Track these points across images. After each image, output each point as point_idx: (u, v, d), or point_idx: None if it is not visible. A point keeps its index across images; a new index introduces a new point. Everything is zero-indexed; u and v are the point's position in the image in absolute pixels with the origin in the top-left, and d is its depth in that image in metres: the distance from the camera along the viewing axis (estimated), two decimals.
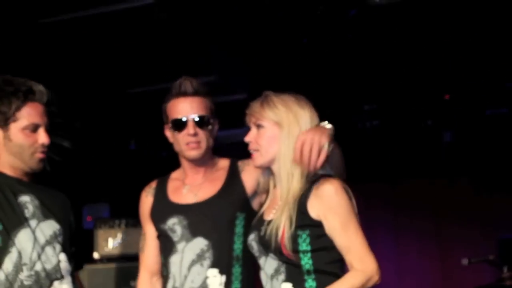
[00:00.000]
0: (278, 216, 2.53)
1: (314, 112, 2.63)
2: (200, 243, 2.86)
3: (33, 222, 2.77)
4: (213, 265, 2.83)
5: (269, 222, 2.55)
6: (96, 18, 4.46)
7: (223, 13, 4.52)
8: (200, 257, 2.87)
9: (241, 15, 4.52)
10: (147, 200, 3.08)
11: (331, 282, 2.47)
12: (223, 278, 2.82)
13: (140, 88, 5.78)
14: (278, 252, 2.50)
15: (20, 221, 2.75)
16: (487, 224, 6.09)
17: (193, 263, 2.85)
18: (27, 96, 2.76)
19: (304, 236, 2.45)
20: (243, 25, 4.71)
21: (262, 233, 2.56)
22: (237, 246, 2.86)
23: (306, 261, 2.47)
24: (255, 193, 2.89)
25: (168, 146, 6.72)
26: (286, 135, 2.57)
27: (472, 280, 5.10)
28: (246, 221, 2.85)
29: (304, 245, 2.45)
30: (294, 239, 2.45)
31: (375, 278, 2.41)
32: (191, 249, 2.86)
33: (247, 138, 2.65)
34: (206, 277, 2.82)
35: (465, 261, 4.60)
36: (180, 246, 2.88)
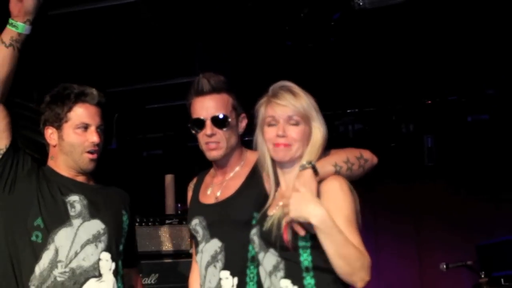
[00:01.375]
0: (280, 209, 2.51)
1: None
2: (214, 245, 2.86)
3: (77, 221, 2.82)
4: (225, 267, 2.82)
5: (271, 217, 2.56)
6: (77, 16, 4.39)
7: (208, 14, 4.47)
8: (214, 259, 2.86)
9: (225, 17, 4.47)
10: (189, 196, 3.13)
11: (329, 279, 2.47)
12: (235, 280, 2.80)
13: (122, 87, 5.66)
14: (279, 245, 2.49)
15: (63, 219, 2.81)
16: (466, 228, 6.13)
17: (208, 264, 2.87)
18: (78, 98, 2.86)
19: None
20: (227, 26, 4.66)
21: (263, 228, 2.58)
22: (253, 247, 2.83)
23: (305, 258, 2.47)
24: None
25: (149, 146, 6.64)
26: (316, 131, 2.58)
27: (451, 284, 5.16)
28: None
29: (304, 241, 2.44)
30: (295, 234, 2.44)
31: (369, 270, 2.40)
32: (207, 250, 2.87)
33: (281, 132, 2.58)
34: (220, 279, 2.82)
35: (443, 266, 4.72)
36: (201, 246, 2.90)
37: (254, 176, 2.88)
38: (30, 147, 4.05)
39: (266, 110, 2.61)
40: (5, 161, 2.86)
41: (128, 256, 3.12)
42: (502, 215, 5.78)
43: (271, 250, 2.55)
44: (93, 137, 2.84)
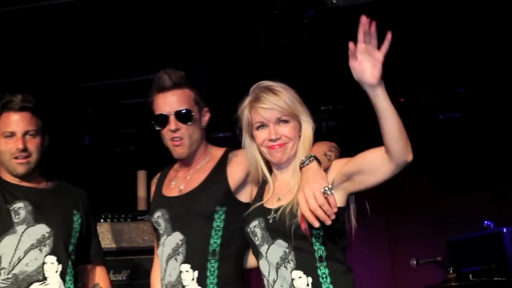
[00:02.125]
0: (291, 200, 2.52)
1: None
2: (176, 238, 2.87)
3: (21, 227, 2.90)
4: (185, 260, 2.83)
5: (279, 208, 2.55)
6: (50, 9, 4.37)
7: (182, 11, 4.48)
8: (175, 252, 2.87)
9: (198, 13, 4.48)
10: (152, 190, 3.16)
11: (342, 269, 2.53)
12: (195, 274, 2.81)
13: (96, 82, 5.65)
14: (294, 235, 2.48)
15: (7, 227, 2.89)
16: (438, 224, 6.23)
17: (169, 257, 2.87)
18: (4, 107, 2.94)
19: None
20: (201, 23, 4.65)
21: (270, 220, 2.57)
22: (214, 241, 2.83)
23: (319, 247, 2.49)
24: (242, 185, 2.87)
25: (122, 142, 6.62)
26: (306, 126, 2.62)
27: (423, 277, 5.23)
28: (226, 215, 2.83)
29: (317, 229, 2.44)
30: (309, 223, 2.44)
31: None
32: (169, 243, 2.88)
33: (274, 135, 2.60)
34: (180, 272, 2.82)
35: (413, 262, 4.76)
36: (162, 239, 2.92)
37: (218, 171, 2.91)
38: None
39: (252, 115, 2.63)
40: None
41: (85, 254, 3.18)
42: (473, 211, 5.83)
43: (278, 241, 2.55)
44: (17, 144, 2.90)
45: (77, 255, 3.06)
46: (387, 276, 6.45)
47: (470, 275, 4.62)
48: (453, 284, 4.57)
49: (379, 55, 2.28)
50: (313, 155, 2.49)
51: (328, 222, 2.32)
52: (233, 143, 2.99)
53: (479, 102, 6.02)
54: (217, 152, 2.99)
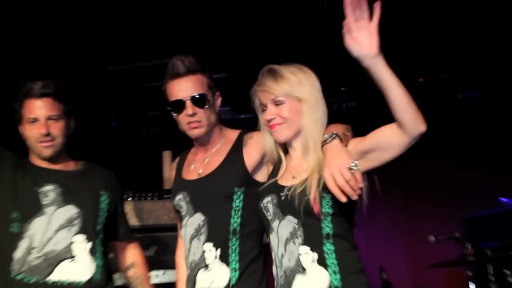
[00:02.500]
0: (304, 180, 2.57)
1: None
2: (198, 219, 2.91)
3: (50, 209, 2.97)
4: (208, 239, 2.87)
5: (291, 186, 2.60)
6: None
7: None
8: (197, 232, 2.92)
9: None
10: (172, 174, 3.21)
11: (346, 247, 2.56)
12: (218, 252, 2.85)
13: (120, 65, 5.72)
14: (304, 213, 2.53)
15: (38, 208, 2.96)
16: (455, 200, 6.18)
17: (192, 237, 2.92)
18: (25, 95, 3.01)
19: (327, 198, 2.48)
20: (222, 5, 4.71)
21: (283, 197, 2.62)
22: (234, 221, 2.87)
23: (327, 225, 2.53)
24: (259, 165, 2.91)
25: (148, 124, 6.64)
26: (307, 107, 2.63)
27: (440, 253, 5.15)
28: (245, 196, 2.87)
29: (327, 207, 2.50)
30: (320, 200, 2.50)
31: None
32: (191, 224, 2.93)
33: (269, 116, 2.65)
34: (203, 251, 2.88)
35: (432, 239, 4.66)
36: (184, 221, 2.97)
37: (235, 152, 2.95)
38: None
39: (255, 99, 2.70)
40: None
41: (113, 232, 3.27)
42: (490, 189, 5.77)
43: (288, 218, 2.60)
44: (41, 130, 2.97)
45: (105, 234, 3.12)
46: (406, 251, 6.45)
47: (488, 251, 4.61)
48: (471, 259, 4.56)
49: (373, 26, 2.30)
50: (335, 133, 2.52)
51: (355, 197, 2.36)
52: (255, 125, 2.96)
53: (497, 81, 5.93)
54: (232, 134, 3.03)
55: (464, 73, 5.88)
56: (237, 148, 2.95)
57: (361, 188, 2.38)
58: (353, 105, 6.08)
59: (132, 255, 3.30)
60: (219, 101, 3.02)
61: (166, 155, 5.32)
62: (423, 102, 6.06)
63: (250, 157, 2.90)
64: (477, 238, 4.97)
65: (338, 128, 2.62)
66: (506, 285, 4.55)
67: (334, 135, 2.51)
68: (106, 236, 3.13)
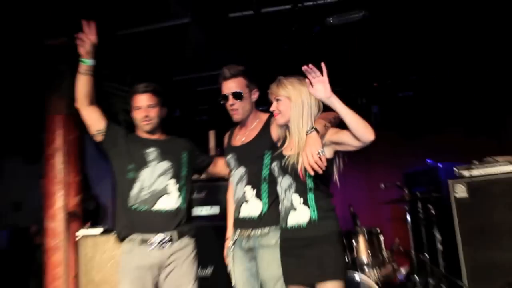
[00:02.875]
0: (294, 153, 2.57)
1: None
2: (241, 170, 2.92)
3: (153, 163, 2.98)
4: (248, 183, 2.88)
5: (288, 156, 2.60)
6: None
7: None
8: (241, 179, 2.92)
9: None
10: (225, 142, 3.14)
11: (322, 196, 2.55)
12: (254, 191, 2.85)
13: (181, 76, 5.50)
14: (294, 175, 2.55)
15: (145, 163, 2.99)
16: (397, 161, 6.20)
17: (238, 182, 2.93)
18: (133, 91, 3.07)
19: None
20: None
21: (283, 163, 2.63)
22: (265, 172, 2.84)
23: (309, 182, 2.54)
24: (278, 139, 2.85)
25: (200, 114, 6.32)
26: (293, 105, 2.60)
27: (387, 195, 5.11)
28: (271, 156, 2.83)
29: (309, 174, 2.49)
30: (304, 170, 2.48)
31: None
32: (237, 174, 2.94)
33: (271, 108, 2.68)
34: (245, 191, 2.88)
35: (382, 186, 4.69)
36: (233, 172, 2.97)
37: (265, 129, 2.92)
38: (126, 117, 4.31)
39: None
40: (107, 134, 3.03)
41: (203, 166, 3.27)
42: (422, 154, 5.63)
43: (287, 176, 2.61)
44: (142, 114, 3.01)
45: (188, 177, 3.09)
46: (366, 194, 6.40)
47: (418, 193, 4.61)
48: (407, 199, 4.61)
49: (324, 78, 2.36)
50: (315, 127, 2.49)
51: (320, 172, 2.41)
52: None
53: (425, 85, 5.84)
54: (263, 116, 2.98)
55: (402, 79, 5.88)
56: (266, 126, 2.93)
57: (326, 166, 2.39)
58: None
59: (221, 166, 3.25)
60: (255, 95, 2.96)
61: (211, 133, 5.26)
62: (376, 97, 5.96)
63: (274, 133, 2.87)
64: (411, 185, 4.99)
65: (325, 118, 2.58)
66: (429, 216, 4.53)
67: (313, 129, 2.49)
68: (190, 178, 3.11)
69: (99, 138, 3.05)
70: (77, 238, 4.18)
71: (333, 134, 2.49)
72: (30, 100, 4.73)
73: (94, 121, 3.04)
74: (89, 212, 4.62)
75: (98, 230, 4.16)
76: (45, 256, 4.29)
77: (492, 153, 4.23)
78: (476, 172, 4.15)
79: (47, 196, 4.34)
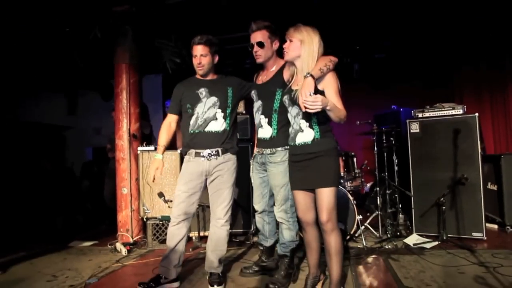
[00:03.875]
0: (301, 87, 2.44)
1: (320, 38, 2.43)
2: (259, 103, 2.90)
3: (204, 99, 2.90)
4: (262, 113, 2.87)
5: (296, 90, 2.50)
6: None
7: None
8: (258, 109, 2.91)
9: None
10: (254, 80, 3.05)
11: (323, 121, 2.44)
12: (267, 119, 2.83)
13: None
14: (299, 105, 2.42)
15: (198, 99, 2.91)
16: (370, 105, 6.09)
17: (256, 111, 2.93)
18: (193, 41, 2.91)
19: None
20: None
21: (292, 95, 2.54)
22: (276, 104, 2.80)
23: (314, 112, 2.40)
24: (288, 79, 2.72)
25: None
26: (305, 48, 2.44)
27: (361, 128, 5.03)
28: (282, 92, 2.74)
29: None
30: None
31: (345, 118, 2.37)
32: (256, 105, 2.92)
33: (285, 45, 2.50)
34: (260, 118, 2.86)
35: (358, 123, 4.61)
36: (254, 103, 2.96)
37: (280, 72, 2.84)
38: (171, 64, 4.31)
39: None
40: (179, 111, 2.99)
41: (243, 97, 3.07)
42: (389, 101, 5.53)
43: (295, 106, 2.52)
44: (197, 60, 2.89)
45: (233, 108, 2.95)
46: (345, 128, 6.20)
47: (383, 128, 4.51)
48: (375, 131, 4.48)
49: (317, 97, 2.23)
50: (310, 73, 2.34)
51: (311, 109, 2.25)
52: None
53: (395, 48, 5.54)
54: (281, 62, 2.87)
55: (378, 44, 5.60)
56: (281, 70, 2.84)
57: (317, 105, 2.23)
58: None
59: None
60: (276, 45, 2.84)
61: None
62: (357, 58, 5.67)
63: (286, 74, 2.76)
64: (379, 123, 4.95)
65: (323, 61, 2.39)
66: (391, 145, 4.46)
67: (309, 74, 2.34)
68: (235, 108, 2.96)
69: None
70: (137, 152, 4.23)
71: (327, 95, 2.37)
72: (103, 53, 4.63)
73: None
74: (145, 134, 4.67)
75: (152, 147, 4.16)
76: (115, 164, 4.38)
77: (442, 100, 4.20)
78: (427, 114, 4.16)
79: (116, 123, 4.39)
